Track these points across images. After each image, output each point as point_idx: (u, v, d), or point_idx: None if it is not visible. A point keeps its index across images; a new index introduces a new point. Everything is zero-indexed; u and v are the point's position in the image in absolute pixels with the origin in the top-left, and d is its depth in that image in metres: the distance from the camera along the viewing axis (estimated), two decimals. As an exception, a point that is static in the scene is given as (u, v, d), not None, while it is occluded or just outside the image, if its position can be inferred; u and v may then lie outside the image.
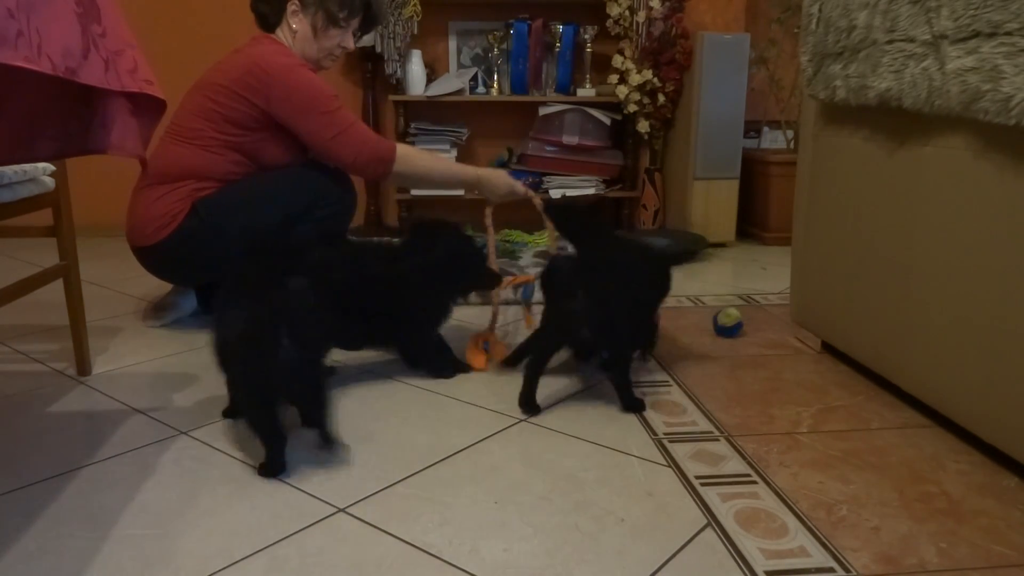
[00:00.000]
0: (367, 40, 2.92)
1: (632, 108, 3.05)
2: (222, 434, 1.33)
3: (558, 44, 3.07)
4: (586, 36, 3.08)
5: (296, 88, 1.74)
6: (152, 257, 1.83)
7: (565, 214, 1.57)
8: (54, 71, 0.79)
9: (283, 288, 1.15)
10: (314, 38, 1.84)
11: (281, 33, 1.85)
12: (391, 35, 2.95)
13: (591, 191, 3.13)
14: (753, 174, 3.09)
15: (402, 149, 1.82)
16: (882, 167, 1.45)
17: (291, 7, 1.81)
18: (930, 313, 1.32)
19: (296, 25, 1.83)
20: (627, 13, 2.99)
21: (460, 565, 0.96)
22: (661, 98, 3.05)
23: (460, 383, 1.57)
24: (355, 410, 1.43)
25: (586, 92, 3.12)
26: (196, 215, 1.77)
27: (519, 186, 1.90)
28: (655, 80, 3.01)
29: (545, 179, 3.14)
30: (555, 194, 3.10)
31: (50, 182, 1.50)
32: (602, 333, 1.40)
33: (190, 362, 1.69)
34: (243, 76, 1.74)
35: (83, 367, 1.61)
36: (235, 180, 1.80)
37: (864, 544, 1.00)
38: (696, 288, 2.37)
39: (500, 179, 1.88)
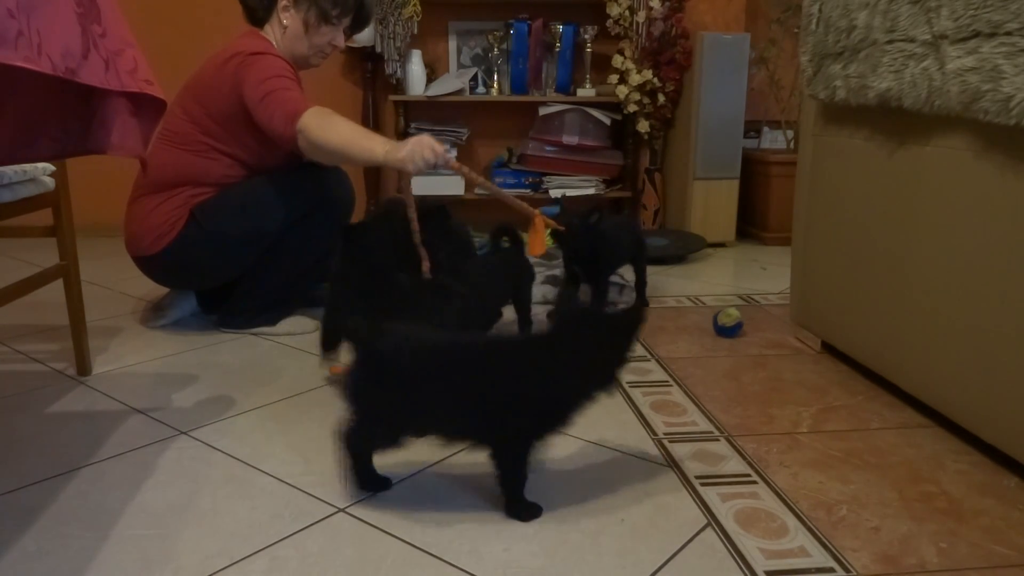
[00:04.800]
0: (367, 40, 2.92)
1: (632, 108, 3.05)
2: (222, 434, 1.33)
3: (558, 44, 3.07)
4: (586, 36, 3.08)
5: (257, 67, 1.70)
6: (153, 266, 1.83)
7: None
8: (54, 71, 0.79)
9: None
10: (305, 35, 1.82)
11: (270, 28, 1.83)
12: (391, 35, 2.95)
13: (591, 191, 3.13)
14: (753, 174, 3.08)
15: (318, 110, 1.60)
16: (882, 167, 1.45)
17: (282, 2, 1.79)
18: (930, 313, 1.32)
19: (287, 21, 1.81)
20: (627, 13, 2.99)
21: (460, 565, 0.96)
22: (661, 98, 3.05)
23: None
24: (355, 410, 1.43)
25: (586, 92, 3.11)
26: (195, 222, 1.76)
27: (435, 148, 1.47)
28: (655, 80, 3.01)
29: (545, 179, 3.14)
30: (555, 194, 3.10)
31: (50, 182, 1.50)
32: None
33: (190, 362, 1.69)
34: (223, 65, 1.73)
35: (83, 367, 1.61)
36: (231, 184, 1.79)
37: (864, 544, 1.00)
38: (696, 288, 2.37)
39: (414, 147, 1.47)
